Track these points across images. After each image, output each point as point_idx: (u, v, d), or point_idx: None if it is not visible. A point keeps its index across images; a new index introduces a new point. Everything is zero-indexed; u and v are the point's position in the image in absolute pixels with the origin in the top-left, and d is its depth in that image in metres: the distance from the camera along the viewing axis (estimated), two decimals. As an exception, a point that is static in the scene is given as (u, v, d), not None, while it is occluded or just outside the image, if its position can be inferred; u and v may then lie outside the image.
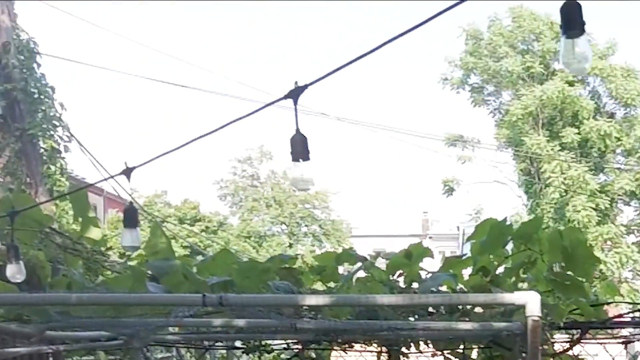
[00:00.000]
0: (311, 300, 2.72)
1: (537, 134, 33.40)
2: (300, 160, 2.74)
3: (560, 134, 33.08)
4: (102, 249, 5.07)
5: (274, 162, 47.88)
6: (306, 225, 46.40)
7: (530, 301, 2.68)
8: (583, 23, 2.73)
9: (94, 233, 4.79)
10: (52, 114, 14.49)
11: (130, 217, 3.18)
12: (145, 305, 2.92)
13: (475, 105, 36.22)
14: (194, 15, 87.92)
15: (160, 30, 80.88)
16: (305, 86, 2.66)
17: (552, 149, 32.81)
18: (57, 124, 14.59)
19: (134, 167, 3.19)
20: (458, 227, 52.74)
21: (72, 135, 14.57)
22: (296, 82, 2.70)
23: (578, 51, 2.69)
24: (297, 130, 2.72)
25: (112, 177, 3.71)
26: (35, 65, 14.71)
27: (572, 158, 32.67)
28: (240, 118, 2.83)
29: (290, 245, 43.16)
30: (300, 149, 2.73)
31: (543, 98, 32.71)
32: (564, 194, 32.41)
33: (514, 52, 34.52)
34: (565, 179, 32.25)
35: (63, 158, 14.68)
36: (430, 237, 59.22)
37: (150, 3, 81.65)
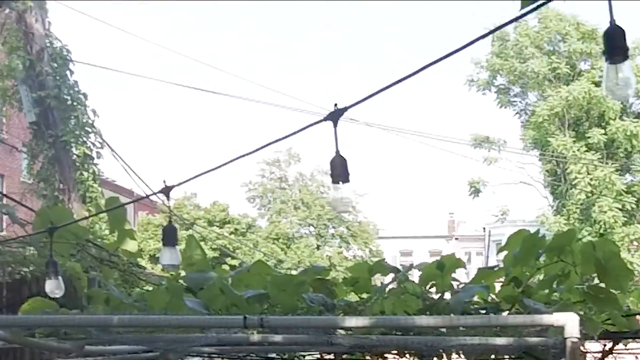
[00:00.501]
0: (351, 322, 2.71)
1: (563, 135, 33.22)
2: (340, 182, 2.72)
3: (586, 135, 32.89)
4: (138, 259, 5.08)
5: (301, 165, 48.00)
6: (333, 227, 46.35)
7: (569, 322, 2.66)
8: (626, 48, 2.71)
9: (130, 245, 4.80)
10: (84, 120, 14.53)
11: (170, 235, 3.18)
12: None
13: (501, 106, 36.08)
14: (223, 23, 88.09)
15: (187, 36, 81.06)
16: (345, 109, 2.66)
17: (578, 150, 32.64)
18: (90, 130, 14.64)
19: (173, 186, 3.20)
20: (484, 228, 52.57)
21: (104, 141, 14.62)
22: (335, 105, 2.70)
23: (621, 77, 2.66)
24: (337, 152, 2.71)
25: (153, 194, 3.72)
26: (68, 73, 14.76)
27: (598, 159, 32.47)
28: (286, 136, 2.83)
29: (318, 247, 43.12)
30: (340, 171, 2.71)
31: (569, 99, 32.54)
32: (590, 194, 32.23)
33: (540, 53, 34.34)
34: (591, 179, 32.07)
35: (95, 164, 14.74)
36: (456, 239, 59.02)
37: (177, 10, 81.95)
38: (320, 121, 2.75)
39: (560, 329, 2.74)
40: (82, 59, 16.38)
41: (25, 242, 4.49)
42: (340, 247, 45.32)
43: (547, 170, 35.24)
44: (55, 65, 14.53)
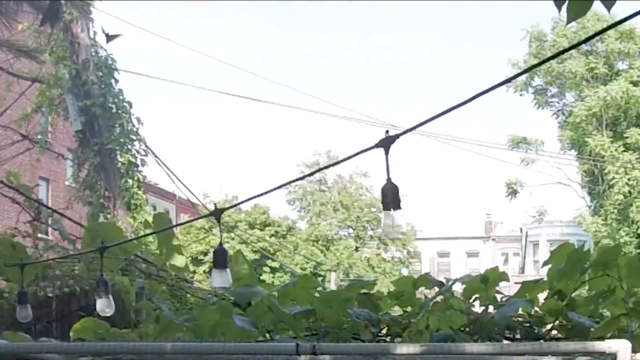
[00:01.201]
0: (402, 349, 2.70)
1: (601, 135, 32.95)
2: (392, 209, 2.72)
3: (624, 135, 32.59)
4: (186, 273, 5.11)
5: (340, 167, 48.01)
6: (372, 229, 46.28)
7: (622, 350, 2.63)
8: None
9: (178, 260, 4.83)
10: (129, 128, 14.60)
11: (221, 258, 3.19)
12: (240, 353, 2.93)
13: (539, 107, 35.83)
14: (264, 29, 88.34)
15: (226, 42, 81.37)
16: (397, 136, 2.65)
17: (615, 150, 32.35)
18: (134, 138, 14.71)
19: (224, 209, 3.21)
20: (521, 229, 52.23)
21: (148, 148, 14.70)
22: (387, 132, 2.69)
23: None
24: (389, 179, 2.70)
25: (205, 217, 3.73)
26: (113, 81, 14.85)
27: (636, 159, 32.17)
28: (341, 161, 2.84)
29: (357, 249, 43.09)
30: (391, 197, 2.71)
31: (607, 99, 32.26)
32: (628, 194, 31.94)
33: (577, 53, 34.05)
34: (629, 179, 31.78)
35: (140, 172, 14.81)
36: (493, 239, 58.69)
37: (217, 17, 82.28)
38: (372, 148, 2.75)
39: (613, 356, 2.72)
40: (125, 67, 16.48)
41: (76, 258, 4.53)
42: (379, 248, 45.25)
43: (584, 171, 34.95)
44: (101, 74, 14.62)
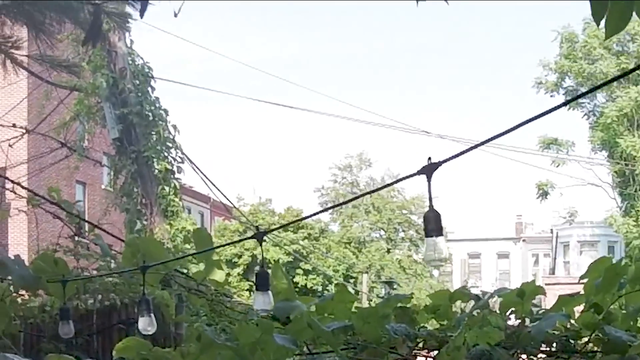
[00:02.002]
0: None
1: (632, 136, 32.70)
2: (434, 235, 2.70)
3: (656, 135, 32.36)
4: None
5: (372, 169, 47.97)
6: (403, 231, 46.23)
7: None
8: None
9: (218, 275, 4.83)
10: (165, 136, 14.66)
11: (262, 280, 3.18)
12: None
13: (570, 108, 35.57)
14: (297, 34, 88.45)
15: (264, 52, 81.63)
16: (440, 163, 2.63)
17: (647, 150, 32.12)
18: (171, 145, 14.77)
19: (267, 232, 3.21)
20: (552, 230, 51.90)
21: (185, 155, 14.75)
22: (429, 159, 2.67)
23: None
24: (431, 207, 2.69)
25: (247, 239, 3.74)
26: (149, 89, 14.91)
27: (668, 159, 31.94)
28: (385, 186, 2.82)
29: (388, 251, 43.02)
30: (434, 225, 2.69)
31: (638, 99, 32.00)
32: (660, 195, 31.70)
33: (608, 53, 33.80)
34: (660, 180, 31.56)
35: (177, 179, 14.87)
36: (523, 240, 58.39)
37: (249, 23, 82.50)
38: (414, 175, 2.73)
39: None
40: (161, 75, 16.54)
41: (118, 273, 4.54)
42: (410, 250, 45.18)
43: (615, 172, 34.70)
44: (137, 82, 14.68)
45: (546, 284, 41.13)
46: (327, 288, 36.65)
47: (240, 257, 34.96)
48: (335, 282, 36.35)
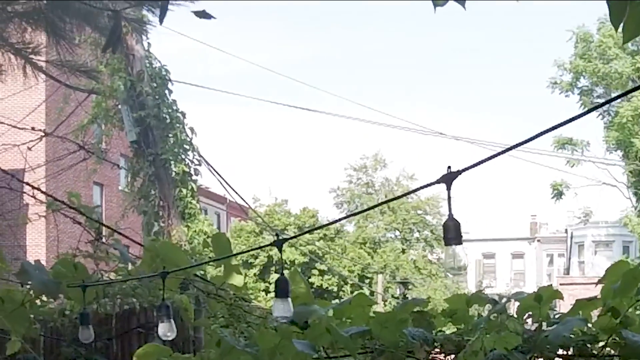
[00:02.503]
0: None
1: (647, 136, 32.59)
2: (453, 244, 2.70)
3: (670, 135, 32.21)
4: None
5: (387, 170, 47.90)
6: (418, 231, 46.16)
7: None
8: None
9: (237, 280, 4.84)
10: (183, 138, 14.68)
11: (282, 287, 3.18)
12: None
13: (584, 108, 35.45)
14: (313, 36, 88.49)
15: (279, 53, 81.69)
16: (459, 172, 2.62)
17: (662, 150, 32.00)
18: (188, 148, 14.79)
19: (285, 239, 3.21)
20: (566, 230, 51.75)
21: (202, 158, 14.77)
22: (449, 167, 2.66)
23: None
24: (450, 216, 2.68)
25: (266, 246, 3.73)
26: (167, 92, 14.94)
27: (683, 159, 31.80)
28: (406, 194, 2.81)
29: (403, 251, 42.96)
30: (453, 234, 2.69)
31: (654, 99, 31.88)
32: (675, 195, 31.57)
33: (623, 53, 33.63)
34: (676, 180, 31.43)
35: (194, 181, 14.89)
36: (538, 240, 58.24)
37: (263, 26, 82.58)
38: (433, 183, 2.72)
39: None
40: (177, 78, 16.57)
41: (138, 278, 4.56)
42: (425, 250, 45.10)
43: (630, 172, 34.54)
44: (155, 85, 14.70)
45: (561, 284, 41.02)
46: (343, 289, 36.62)
47: (256, 257, 34.99)
48: (351, 282, 36.34)
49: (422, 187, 2.75)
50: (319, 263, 34.52)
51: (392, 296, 39.12)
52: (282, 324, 3.79)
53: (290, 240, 33.29)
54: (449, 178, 2.67)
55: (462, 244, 2.69)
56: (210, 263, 5.07)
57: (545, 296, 5.04)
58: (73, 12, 4.98)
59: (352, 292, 36.54)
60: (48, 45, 5.65)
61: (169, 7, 5.06)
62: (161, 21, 4.99)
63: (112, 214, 30.87)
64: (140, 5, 5.63)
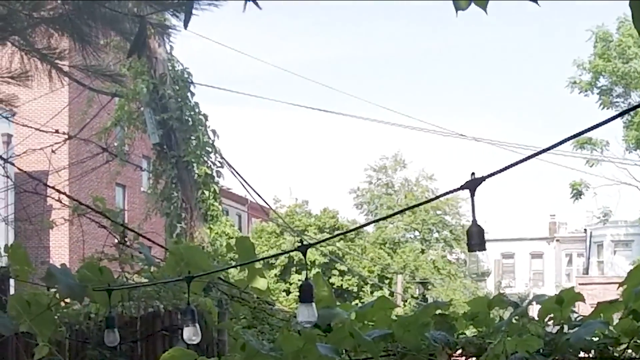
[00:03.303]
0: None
1: (667, 135, 32.42)
2: (476, 250, 2.69)
3: (690, 135, 32.02)
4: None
5: (407, 171, 47.86)
6: (437, 231, 46.08)
7: None
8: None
9: (260, 283, 4.85)
10: (205, 140, 14.71)
11: (307, 292, 3.19)
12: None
13: (604, 107, 35.24)
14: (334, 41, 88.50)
15: (300, 55, 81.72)
16: (483, 178, 2.61)
17: (682, 150, 31.81)
18: (210, 150, 14.82)
19: (310, 245, 3.21)
20: (585, 230, 51.50)
21: (224, 160, 14.79)
22: (473, 174, 2.66)
23: None
24: (474, 221, 2.67)
25: (291, 251, 3.75)
26: (189, 95, 14.97)
27: (703, 158, 31.58)
28: (429, 200, 2.81)
29: (422, 251, 42.89)
30: (477, 240, 2.68)
31: (674, 97, 31.69)
32: (695, 195, 31.36)
33: (643, 52, 33.49)
34: (695, 179, 31.23)
35: (216, 183, 14.92)
36: (557, 240, 57.99)
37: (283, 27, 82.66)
38: (457, 190, 2.72)
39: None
40: (198, 79, 16.59)
41: (163, 282, 4.57)
42: (444, 250, 45.01)
43: (649, 171, 34.39)
44: (177, 88, 14.73)
45: (580, 284, 40.81)
46: (363, 289, 36.58)
47: (276, 258, 35.03)
48: (370, 282, 36.31)
49: (445, 194, 2.75)
50: (339, 263, 34.50)
51: (412, 296, 39.07)
52: (308, 330, 3.80)
53: (311, 241, 33.46)
54: (472, 184, 2.66)
55: (485, 249, 2.68)
56: (235, 266, 5.09)
57: (566, 299, 5.03)
58: (99, 17, 5.01)
59: (372, 293, 36.53)
60: (73, 50, 5.68)
61: (193, 11, 5.08)
62: (186, 25, 5.01)
63: (135, 215, 30.99)
64: (165, 10, 5.65)
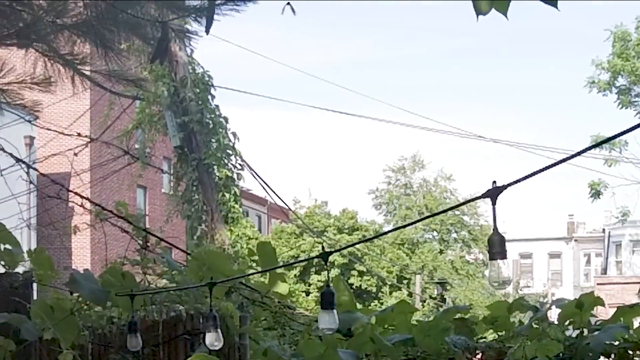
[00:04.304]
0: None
1: (685, 135, 32.15)
2: (498, 258, 2.68)
3: None
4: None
5: (426, 171, 47.77)
6: (456, 232, 45.96)
7: None
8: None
9: (282, 288, 4.87)
10: (225, 143, 14.72)
11: (328, 299, 3.18)
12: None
13: (622, 107, 34.96)
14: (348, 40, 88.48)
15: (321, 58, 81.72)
16: (504, 187, 2.61)
17: (700, 150, 31.58)
18: (231, 153, 14.83)
19: (331, 252, 3.21)
20: (604, 230, 51.23)
21: (245, 162, 14.81)
22: (494, 182, 2.65)
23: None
24: (495, 230, 2.67)
25: (312, 258, 3.74)
26: (209, 97, 14.98)
27: None
28: (450, 208, 2.80)
29: (441, 252, 42.79)
30: (498, 248, 2.67)
31: (693, 97, 31.46)
32: None
33: (662, 50, 33.21)
34: None
35: (237, 185, 14.94)
36: (575, 240, 57.73)
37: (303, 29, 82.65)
38: (478, 198, 2.72)
39: None
40: (217, 80, 16.58)
41: (186, 288, 4.58)
42: (463, 250, 44.87)
43: (668, 171, 34.14)
44: (198, 90, 14.75)
45: (598, 284, 40.62)
46: (382, 290, 36.53)
47: (296, 258, 35.05)
48: (389, 283, 36.25)
49: (468, 202, 2.74)
50: (358, 264, 34.47)
51: (430, 297, 38.97)
52: (330, 336, 3.80)
53: (331, 244, 33.49)
54: (493, 193, 2.65)
55: (506, 258, 2.68)
56: (254, 265, 5.10)
57: (586, 303, 5.01)
58: (121, 23, 5.03)
59: (390, 293, 36.48)
60: (96, 55, 5.71)
61: (215, 16, 5.10)
62: (207, 31, 5.04)
63: (156, 216, 31.08)
64: (187, 16, 5.66)
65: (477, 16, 2.67)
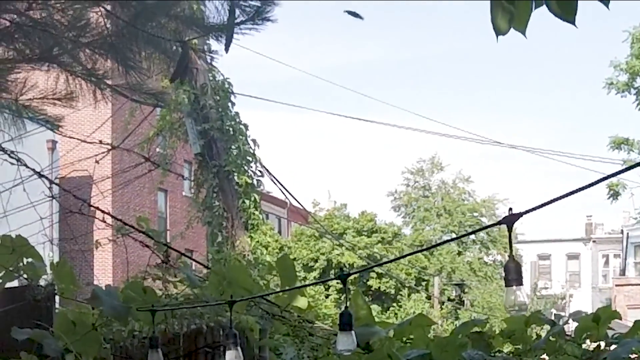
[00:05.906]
0: None
1: None
2: (514, 285, 2.69)
3: None
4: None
5: (444, 173, 47.66)
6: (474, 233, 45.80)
7: None
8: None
9: (301, 302, 4.88)
10: (245, 150, 14.76)
11: (346, 320, 3.20)
12: None
13: (640, 107, 34.83)
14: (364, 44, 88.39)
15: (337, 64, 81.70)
16: (520, 214, 2.61)
17: None
18: (251, 159, 14.88)
19: (350, 274, 3.22)
20: (622, 231, 50.95)
21: (265, 169, 14.85)
22: (510, 209, 2.66)
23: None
24: (511, 257, 2.68)
25: (330, 279, 3.76)
26: (229, 105, 15.03)
27: None
28: (468, 234, 2.80)
29: (459, 253, 42.66)
30: (514, 275, 2.68)
31: None
32: None
33: (681, 51, 33.01)
34: None
35: (257, 192, 14.98)
36: (593, 241, 57.46)
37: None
38: (494, 225, 2.72)
39: None
40: (235, 85, 16.62)
41: (207, 305, 4.61)
42: (481, 252, 44.72)
43: (687, 172, 33.89)
44: (218, 98, 14.79)
45: (616, 285, 40.39)
46: (400, 292, 36.48)
47: (316, 261, 35.04)
48: (408, 285, 36.21)
49: (483, 228, 2.75)
50: (378, 267, 34.45)
51: (449, 299, 38.90)
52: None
53: (349, 244, 33.51)
54: (510, 220, 2.65)
55: (522, 284, 2.68)
56: (273, 273, 5.11)
57: (603, 316, 4.99)
58: (142, 41, 5.06)
59: (409, 295, 36.43)
60: (116, 72, 5.75)
61: (234, 35, 5.12)
62: (227, 50, 5.06)
63: (176, 219, 31.20)
64: (207, 35, 5.69)
65: (497, 36, 2.68)
